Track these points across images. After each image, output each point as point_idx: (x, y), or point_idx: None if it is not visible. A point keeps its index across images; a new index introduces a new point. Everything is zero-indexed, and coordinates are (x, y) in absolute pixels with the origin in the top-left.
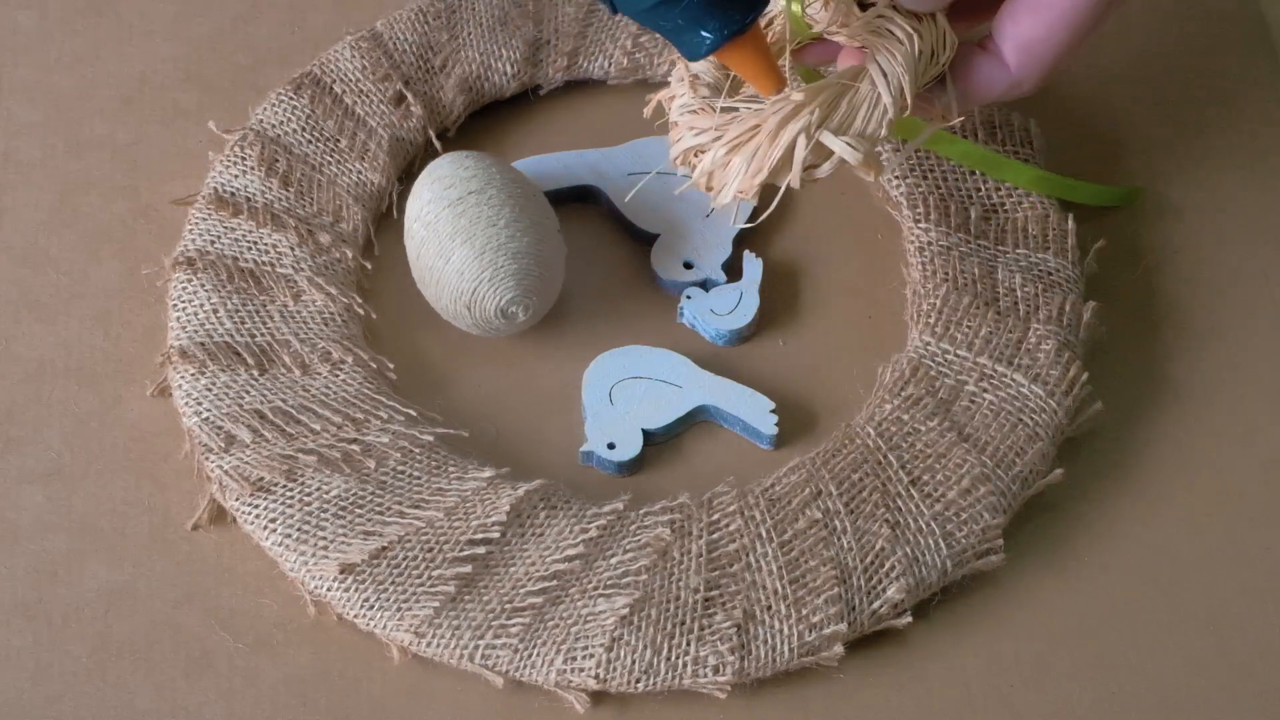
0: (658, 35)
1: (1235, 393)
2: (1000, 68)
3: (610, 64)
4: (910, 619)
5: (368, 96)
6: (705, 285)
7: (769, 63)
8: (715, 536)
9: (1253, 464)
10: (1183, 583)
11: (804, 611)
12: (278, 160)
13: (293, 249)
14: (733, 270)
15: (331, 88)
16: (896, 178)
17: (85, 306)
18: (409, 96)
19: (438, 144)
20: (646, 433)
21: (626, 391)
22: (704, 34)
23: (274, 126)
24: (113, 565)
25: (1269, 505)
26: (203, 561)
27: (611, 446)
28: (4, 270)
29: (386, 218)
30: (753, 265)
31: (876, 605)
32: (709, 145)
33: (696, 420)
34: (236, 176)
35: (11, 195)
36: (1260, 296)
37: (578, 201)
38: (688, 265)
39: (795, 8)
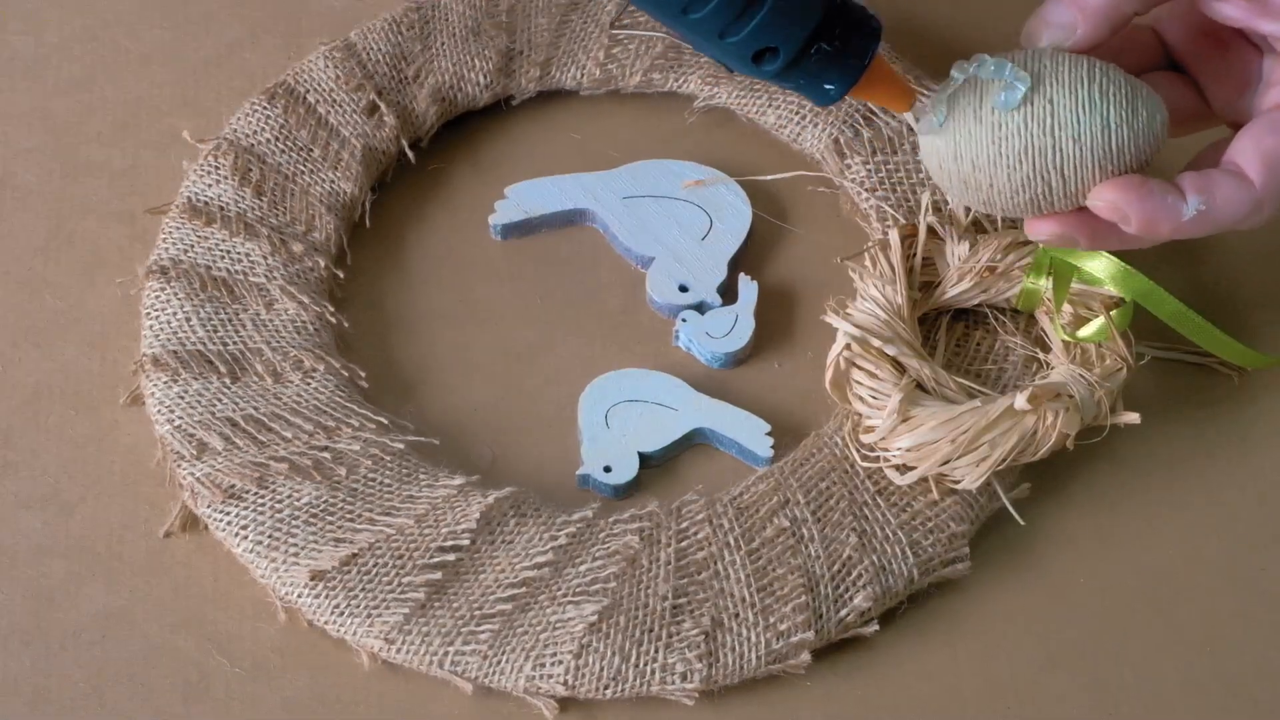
0: (630, 47)
1: (1229, 411)
2: (1244, 186)
3: (583, 75)
4: (877, 627)
5: (341, 106)
6: (700, 308)
7: (898, 87)
8: (684, 544)
9: (1246, 484)
10: (1143, 576)
11: (772, 619)
12: (251, 169)
13: (265, 258)
14: (728, 293)
15: (305, 97)
16: (866, 190)
17: (81, 331)
18: (382, 106)
19: (410, 154)
20: (643, 456)
21: (623, 415)
22: (827, 87)
23: (247, 136)
24: (110, 589)
25: (1266, 525)
26: (200, 585)
27: (608, 469)
28: (0, 295)
29: (359, 227)
30: (748, 288)
31: (844, 613)
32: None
33: (693, 443)
34: (210, 186)
35: (8, 220)
36: (1254, 314)
37: (573, 224)
38: (683, 288)
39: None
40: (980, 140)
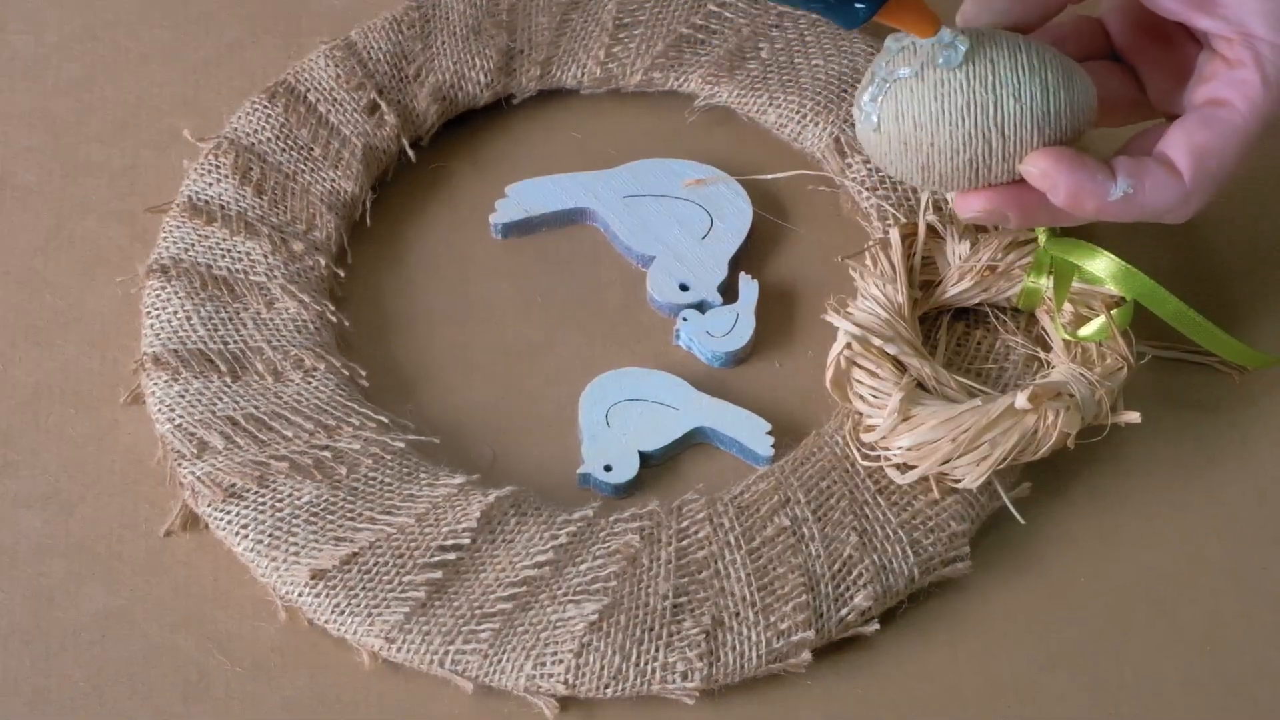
0: (631, 46)
1: (1230, 410)
2: (1173, 177)
3: (583, 73)
4: (877, 626)
5: (341, 105)
6: (701, 307)
7: (924, 11)
8: (684, 544)
9: (1250, 484)
10: (1144, 575)
11: (772, 618)
12: (251, 168)
13: (266, 257)
14: (729, 292)
15: (305, 96)
16: (866, 189)
17: (82, 330)
18: (382, 105)
19: (411, 153)
20: (643, 455)
21: (623, 414)
22: (858, 5)
23: (248, 135)
24: (110, 589)
25: (1268, 525)
26: (200, 584)
27: (608, 469)
28: (1, 295)
29: (359, 226)
30: (749, 287)
31: (844, 613)
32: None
33: (693, 442)
34: (210, 185)
35: (8, 220)
36: (1255, 313)
37: (574, 223)
38: (684, 287)
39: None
40: (923, 97)
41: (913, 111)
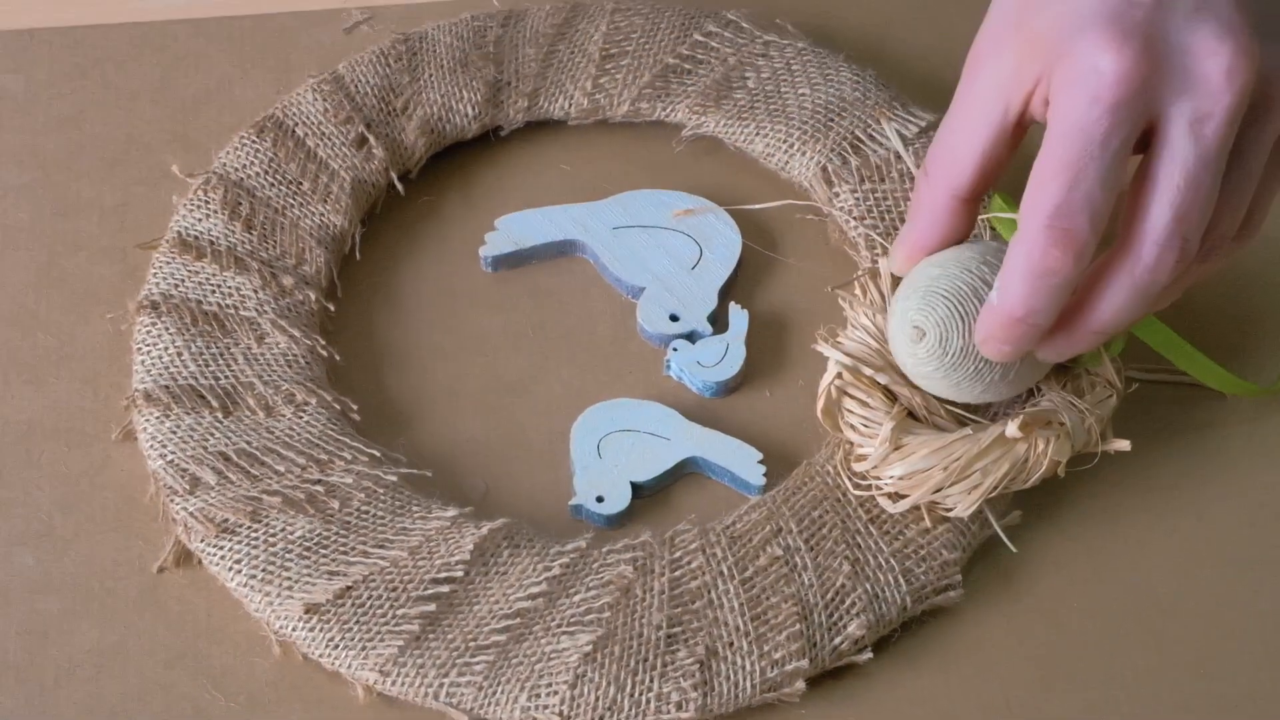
0: (617, 76)
1: (1220, 432)
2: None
3: (570, 104)
4: (871, 654)
5: (330, 139)
6: (691, 337)
7: None
8: (677, 574)
9: (1239, 508)
10: (1135, 600)
11: (766, 648)
12: (241, 203)
13: (256, 292)
14: (719, 322)
15: (294, 131)
16: (854, 219)
17: (74, 368)
18: (371, 139)
19: (399, 186)
20: (635, 485)
21: (615, 445)
22: None
23: (237, 170)
24: (104, 625)
25: (1258, 548)
26: (194, 620)
27: (600, 500)
28: None
29: (349, 260)
30: (739, 317)
31: (837, 641)
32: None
33: (685, 472)
34: (200, 220)
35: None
36: (1245, 340)
37: (563, 255)
38: (674, 318)
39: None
40: (936, 380)
41: (937, 390)
